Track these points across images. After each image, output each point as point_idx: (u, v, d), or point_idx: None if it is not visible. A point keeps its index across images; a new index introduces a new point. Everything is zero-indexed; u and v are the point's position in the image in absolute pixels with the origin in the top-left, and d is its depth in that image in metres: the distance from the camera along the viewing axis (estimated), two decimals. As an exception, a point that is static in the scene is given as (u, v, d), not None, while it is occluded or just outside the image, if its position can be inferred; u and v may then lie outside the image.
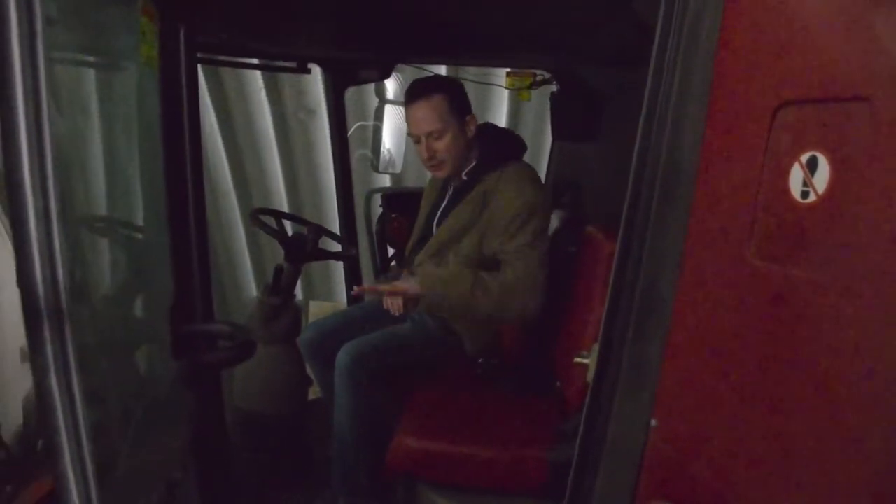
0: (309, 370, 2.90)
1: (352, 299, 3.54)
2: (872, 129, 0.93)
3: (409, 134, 2.53)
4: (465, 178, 2.55)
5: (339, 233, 3.42)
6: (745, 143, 1.13)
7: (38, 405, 0.98)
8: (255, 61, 3.38)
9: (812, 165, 1.02)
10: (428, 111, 2.44)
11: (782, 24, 1.10)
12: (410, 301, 2.37)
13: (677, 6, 1.25)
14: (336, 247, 3.36)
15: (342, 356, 2.43)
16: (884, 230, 0.92)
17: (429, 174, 2.80)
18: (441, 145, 2.46)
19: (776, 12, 1.12)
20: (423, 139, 2.46)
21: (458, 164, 2.52)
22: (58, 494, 1.02)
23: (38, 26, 0.90)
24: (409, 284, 2.38)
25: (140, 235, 1.74)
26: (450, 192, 2.65)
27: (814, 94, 1.04)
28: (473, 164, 2.54)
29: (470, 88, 4.31)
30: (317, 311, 4.84)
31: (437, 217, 2.64)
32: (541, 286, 2.36)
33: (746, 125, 1.13)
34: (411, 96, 2.49)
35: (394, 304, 2.45)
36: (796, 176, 1.04)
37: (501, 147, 2.59)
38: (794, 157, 1.04)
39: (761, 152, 1.10)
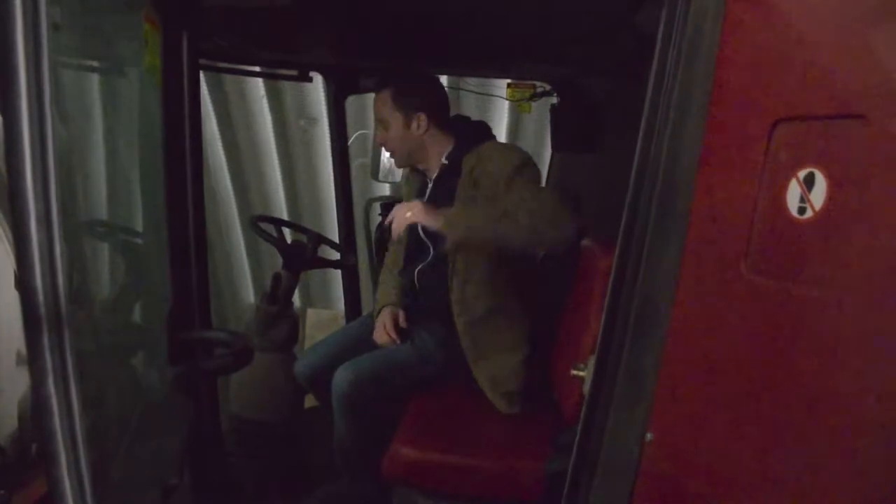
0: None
1: (350, 311, 3.53)
2: (869, 146, 0.94)
3: None
4: (445, 162, 2.55)
5: (338, 241, 3.42)
6: (743, 158, 1.14)
7: (35, 410, 0.99)
8: (256, 69, 3.39)
9: (809, 182, 1.02)
10: (376, 103, 2.58)
11: (781, 41, 1.11)
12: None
13: (677, 21, 1.26)
14: (335, 255, 3.36)
15: (339, 380, 2.41)
16: (880, 247, 0.92)
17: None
18: (386, 135, 2.57)
19: (775, 29, 1.12)
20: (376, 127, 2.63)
21: (406, 157, 2.60)
22: (52, 500, 1.02)
23: (44, 32, 0.91)
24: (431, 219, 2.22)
25: (140, 241, 1.75)
26: (430, 183, 2.64)
27: (812, 111, 1.04)
28: (451, 148, 2.55)
29: (471, 99, 4.36)
30: (315, 319, 4.83)
31: None
32: (566, 212, 2.17)
33: (744, 140, 1.14)
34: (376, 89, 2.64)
35: (382, 337, 2.53)
36: (793, 192, 1.05)
37: (475, 130, 2.63)
38: (792, 173, 1.05)
39: (759, 168, 1.10)
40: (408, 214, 2.20)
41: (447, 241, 2.17)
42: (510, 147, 2.47)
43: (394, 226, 2.24)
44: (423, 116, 2.52)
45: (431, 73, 2.97)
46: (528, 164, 2.38)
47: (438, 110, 2.57)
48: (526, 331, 2.49)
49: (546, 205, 2.16)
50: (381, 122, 2.56)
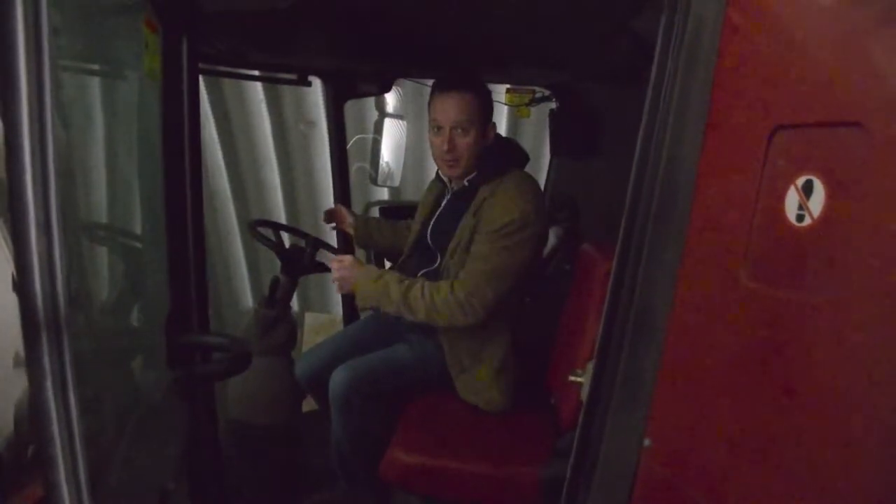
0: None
1: (348, 314, 3.53)
2: (867, 153, 0.94)
3: (433, 122, 2.45)
4: (466, 184, 2.49)
5: (336, 245, 3.42)
6: (742, 165, 1.14)
7: (33, 414, 0.98)
8: (256, 73, 3.39)
9: (807, 189, 1.03)
10: (461, 103, 2.39)
11: (779, 48, 1.11)
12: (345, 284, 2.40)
13: (677, 28, 1.26)
14: (333, 259, 3.35)
15: (336, 379, 2.41)
16: (878, 254, 0.93)
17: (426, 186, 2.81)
18: (463, 141, 2.40)
19: (774, 36, 1.13)
20: (448, 130, 2.40)
21: (470, 166, 2.46)
22: (50, 504, 1.01)
23: (45, 37, 0.91)
24: (346, 278, 2.39)
25: (138, 245, 1.75)
26: (447, 197, 2.61)
27: (810, 118, 1.05)
28: (475, 171, 2.48)
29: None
30: (313, 322, 4.83)
31: (431, 224, 2.62)
32: (479, 306, 2.27)
33: (743, 147, 1.14)
34: (446, 86, 2.44)
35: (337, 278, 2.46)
36: (792, 199, 1.05)
37: (504, 156, 2.53)
38: (790, 180, 1.05)
39: (757, 174, 1.10)
40: (336, 275, 2.41)
41: (357, 301, 2.41)
42: (517, 198, 2.33)
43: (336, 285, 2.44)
44: (494, 126, 2.51)
45: (431, 76, 2.97)
46: (515, 227, 2.29)
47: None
48: (504, 339, 2.46)
49: (464, 298, 2.26)
50: (460, 124, 2.39)
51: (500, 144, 2.57)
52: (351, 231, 2.94)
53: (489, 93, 2.51)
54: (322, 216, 3.14)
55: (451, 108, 2.40)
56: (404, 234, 2.96)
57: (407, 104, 3.91)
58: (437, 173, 2.69)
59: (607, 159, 3.07)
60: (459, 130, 2.40)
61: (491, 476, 2.13)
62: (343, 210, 3.00)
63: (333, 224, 3.05)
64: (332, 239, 3.54)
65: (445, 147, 2.41)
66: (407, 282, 2.33)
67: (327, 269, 3.16)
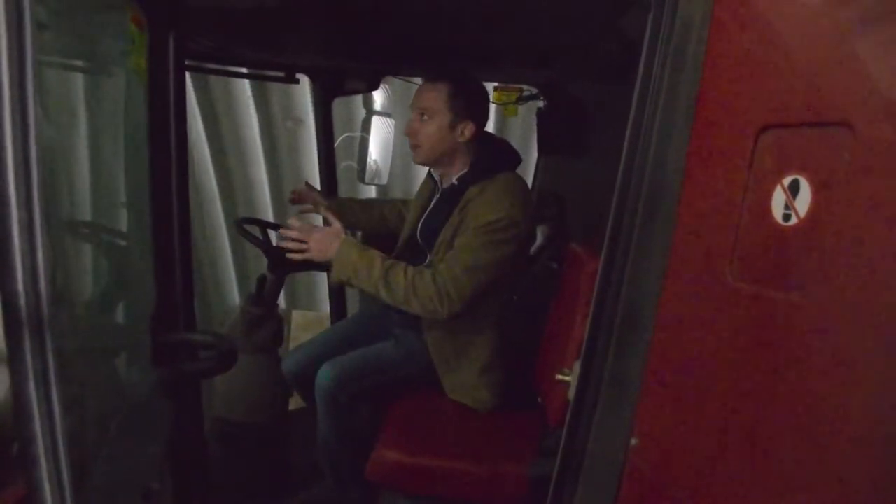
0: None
1: (335, 312, 3.52)
2: (853, 153, 0.95)
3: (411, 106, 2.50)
4: (455, 182, 2.49)
5: None
6: (728, 164, 1.14)
7: (16, 413, 0.98)
8: (243, 70, 3.37)
9: (794, 188, 1.03)
10: (429, 90, 2.42)
11: (767, 48, 1.12)
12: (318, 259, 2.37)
13: (664, 27, 1.26)
14: (320, 257, 3.34)
15: (322, 377, 2.41)
16: (864, 253, 0.93)
17: (416, 186, 2.80)
18: (421, 128, 2.42)
19: (761, 36, 1.13)
20: (413, 114, 2.44)
21: (432, 157, 2.48)
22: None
23: (28, 32, 0.90)
24: (326, 244, 2.35)
25: (124, 242, 1.73)
26: (437, 196, 2.61)
27: (796, 118, 1.05)
28: (465, 170, 2.48)
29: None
30: (300, 320, 4.82)
31: (420, 222, 2.62)
32: (456, 298, 2.25)
33: (730, 147, 1.15)
34: (427, 76, 2.49)
35: (292, 243, 2.39)
36: (778, 198, 1.05)
37: (495, 157, 2.52)
38: (777, 179, 1.06)
39: (744, 174, 1.11)
40: (316, 235, 2.36)
41: (332, 274, 2.35)
42: (505, 197, 2.32)
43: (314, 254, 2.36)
44: (470, 125, 2.44)
45: (419, 74, 2.96)
46: (500, 226, 2.28)
47: (482, 124, 2.51)
48: (489, 338, 2.46)
49: (443, 288, 2.24)
50: (424, 111, 2.41)
51: (492, 145, 2.57)
52: (324, 212, 2.90)
53: (476, 91, 2.49)
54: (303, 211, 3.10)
55: (421, 93, 2.44)
56: (377, 211, 3.02)
57: (395, 102, 3.89)
58: (429, 171, 2.69)
59: (595, 158, 3.07)
60: (424, 117, 2.42)
61: (478, 474, 2.13)
62: (313, 191, 2.99)
63: (304, 206, 3.02)
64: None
65: (406, 130, 2.45)
66: (391, 261, 2.31)
67: (313, 267, 3.16)
